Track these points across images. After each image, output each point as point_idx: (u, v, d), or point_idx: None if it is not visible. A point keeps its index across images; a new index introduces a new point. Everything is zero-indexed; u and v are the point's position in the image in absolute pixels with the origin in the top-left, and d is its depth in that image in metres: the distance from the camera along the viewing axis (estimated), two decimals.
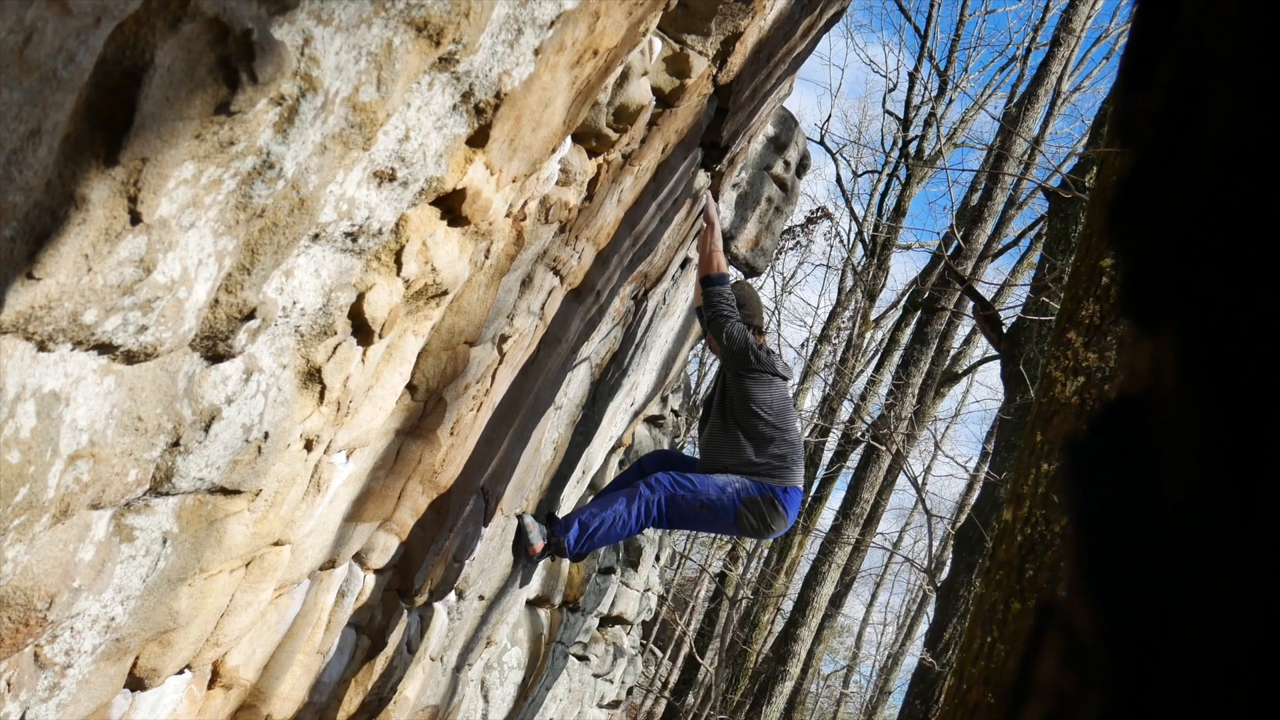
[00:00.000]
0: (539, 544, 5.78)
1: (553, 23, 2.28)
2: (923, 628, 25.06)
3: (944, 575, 15.77)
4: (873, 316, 21.43)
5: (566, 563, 8.60)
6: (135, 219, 1.37)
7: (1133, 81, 0.47)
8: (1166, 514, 0.39)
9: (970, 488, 20.45)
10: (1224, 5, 0.39)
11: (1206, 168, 0.39)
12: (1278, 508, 0.35)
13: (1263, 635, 0.35)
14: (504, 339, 3.82)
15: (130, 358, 1.61)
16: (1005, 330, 10.02)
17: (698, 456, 6.18)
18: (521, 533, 5.82)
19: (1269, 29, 0.37)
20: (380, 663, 4.38)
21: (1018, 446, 9.34)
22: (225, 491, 2.17)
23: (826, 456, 20.74)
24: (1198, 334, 0.38)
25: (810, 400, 23.11)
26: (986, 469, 11.81)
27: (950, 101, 22.35)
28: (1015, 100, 19.48)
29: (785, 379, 5.87)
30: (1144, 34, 0.46)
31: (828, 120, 33.57)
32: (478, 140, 2.33)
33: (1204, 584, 0.37)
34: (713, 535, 27.90)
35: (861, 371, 21.98)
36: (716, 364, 7.83)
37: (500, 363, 3.93)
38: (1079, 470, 0.43)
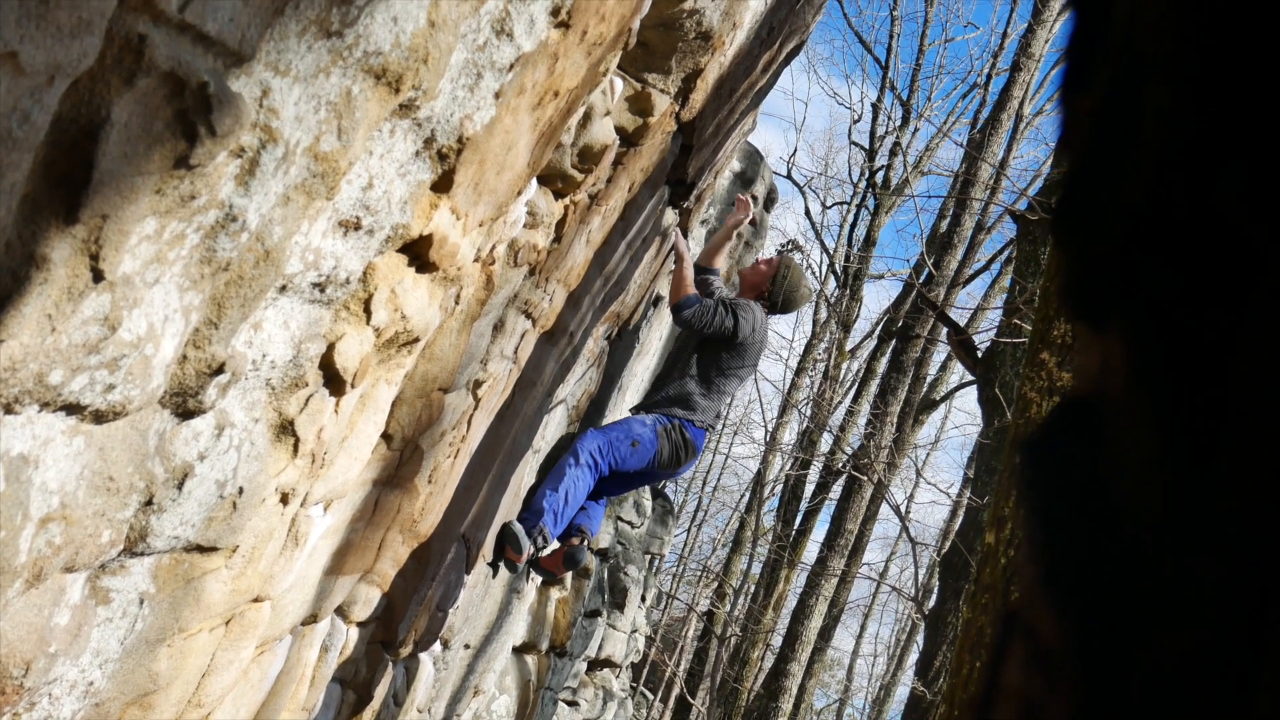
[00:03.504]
0: (529, 549, 5.72)
1: (512, 65, 2.29)
2: (913, 657, 25.01)
3: (931, 603, 15.76)
4: (848, 347, 21.49)
5: (552, 607, 8.55)
6: (98, 277, 1.36)
7: (1072, 85, 0.47)
8: (1121, 512, 0.39)
9: (954, 514, 20.46)
10: (1152, 7, 0.40)
11: (1143, 166, 0.39)
12: (1229, 502, 0.35)
13: (1220, 629, 0.35)
14: (478, 384, 3.81)
15: (99, 417, 1.60)
16: (980, 355, 10.07)
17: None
18: (511, 536, 5.72)
19: (1196, 27, 0.37)
20: (367, 717, 4.34)
21: (998, 470, 9.37)
22: (201, 549, 2.15)
23: (809, 489, 20.72)
24: (1143, 330, 0.39)
25: (789, 433, 23.14)
26: (969, 494, 11.83)
27: (915, 130, 22.54)
28: (979, 126, 19.66)
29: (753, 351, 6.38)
30: (1080, 38, 0.47)
31: (794, 154, 33.84)
32: (442, 185, 2.33)
33: (1161, 581, 0.37)
34: (699, 573, 27.81)
35: (840, 403, 22.01)
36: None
37: (475, 408, 3.92)
38: (1034, 470, 0.43)
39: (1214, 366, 0.36)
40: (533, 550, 5.75)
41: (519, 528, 5.65)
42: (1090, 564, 0.39)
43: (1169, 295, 0.37)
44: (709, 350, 6.20)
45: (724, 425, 23.63)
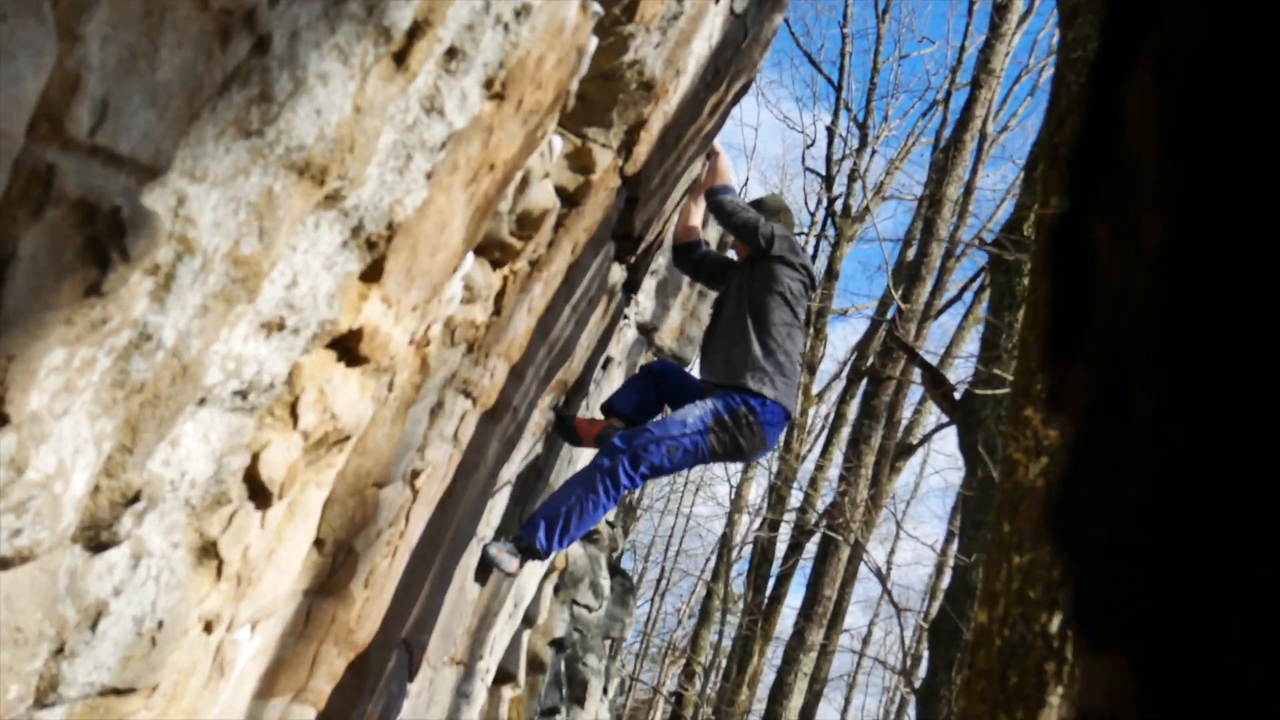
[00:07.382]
0: (514, 563, 5.69)
1: (444, 144, 2.31)
2: None
3: (921, 673, 15.77)
4: (814, 391, 21.54)
5: (505, 707, 8.49)
6: (3, 420, 1.37)
7: (1058, 351, 0.50)
8: None
9: (939, 572, 20.50)
10: (1136, 302, 0.42)
11: (1140, 472, 0.42)
12: None
13: None
14: (416, 475, 3.81)
15: (5, 564, 1.59)
16: (959, 398, 10.14)
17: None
18: (489, 562, 5.73)
19: (1180, 326, 0.40)
20: None
21: (984, 524, 9.41)
22: (118, 692, 2.13)
23: (780, 551, 20.67)
24: (1152, 655, 0.41)
25: (755, 491, 23.16)
26: (955, 551, 11.87)
27: (873, 153, 22.76)
28: (942, 146, 19.87)
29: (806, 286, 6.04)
30: (1062, 309, 0.49)
31: (745, 185, 33.99)
32: (372, 275, 2.34)
33: None
34: (663, 650, 27.70)
35: (808, 452, 22.04)
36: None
37: (414, 501, 3.91)
38: None
39: (1223, 691, 0.38)
40: (518, 564, 5.71)
41: (493, 551, 5.66)
42: None
43: (1176, 616, 0.39)
44: (765, 302, 5.82)
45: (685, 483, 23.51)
